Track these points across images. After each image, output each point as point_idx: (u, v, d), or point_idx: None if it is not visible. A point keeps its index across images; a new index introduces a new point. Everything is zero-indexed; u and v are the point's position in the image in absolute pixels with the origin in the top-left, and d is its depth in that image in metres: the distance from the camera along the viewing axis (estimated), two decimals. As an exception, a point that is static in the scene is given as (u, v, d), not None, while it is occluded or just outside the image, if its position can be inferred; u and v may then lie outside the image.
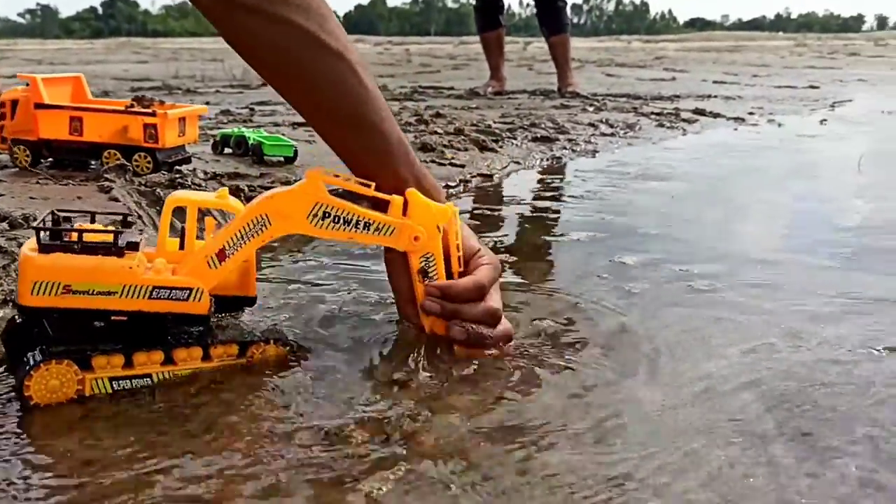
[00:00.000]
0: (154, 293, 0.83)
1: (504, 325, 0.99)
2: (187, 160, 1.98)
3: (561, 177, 2.53)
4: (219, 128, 2.68)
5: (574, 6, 79.65)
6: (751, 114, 4.33)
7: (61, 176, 1.81)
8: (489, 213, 1.97)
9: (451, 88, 5.74)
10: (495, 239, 1.67)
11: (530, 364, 0.98)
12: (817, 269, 1.46)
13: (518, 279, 1.37)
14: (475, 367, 0.95)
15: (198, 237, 0.92)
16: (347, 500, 0.69)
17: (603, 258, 1.50)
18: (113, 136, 1.83)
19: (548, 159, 2.84)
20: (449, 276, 0.98)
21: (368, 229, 0.94)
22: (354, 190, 0.94)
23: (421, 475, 0.73)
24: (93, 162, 1.92)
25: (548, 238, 1.71)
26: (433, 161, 2.49)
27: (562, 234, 1.72)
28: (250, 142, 2.19)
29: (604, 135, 3.48)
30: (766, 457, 0.77)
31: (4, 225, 1.37)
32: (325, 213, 0.91)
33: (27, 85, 1.86)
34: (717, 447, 0.79)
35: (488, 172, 2.50)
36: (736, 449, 0.78)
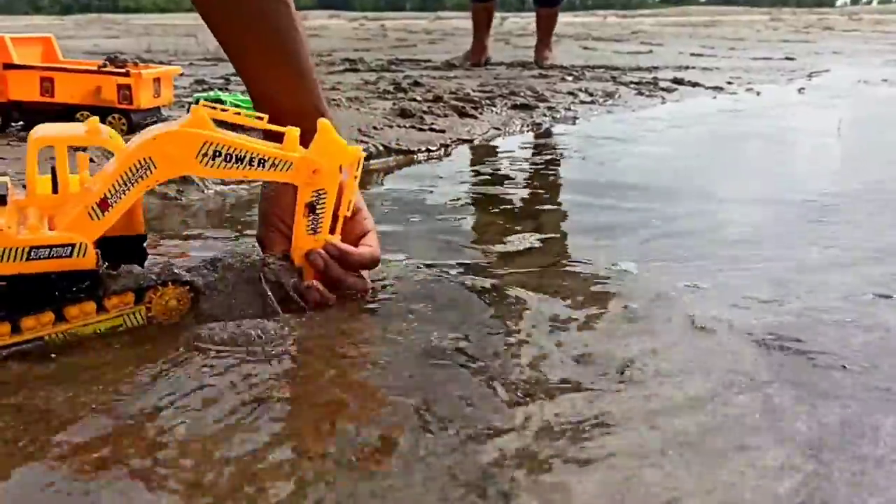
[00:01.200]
0: (32, 254, 0.77)
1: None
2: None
3: (543, 142, 2.51)
4: (193, 96, 2.63)
5: (551, -18, 78.99)
6: (729, 83, 4.32)
7: (33, 138, 1.76)
8: (473, 174, 1.95)
9: (429, 61, 5.69)
10: (479, 195, 1.66)
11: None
12: (798, 222, 1.46)
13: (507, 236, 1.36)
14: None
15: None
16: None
17: (591, 215, 1.49)
18: (85, 97, 1.79)
19: (528, 126, 2.81)
20: (335, 219, 0.93)
21: (264, 166, 0.85)
22: (245, 123, 0.86)
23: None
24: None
25: (534, 194, 1.70)
26: (412, 127, 2.46)
27: (546, 193, 1.71)
28: (227, 105, 2.14)
29: (583, 103, 3.47)
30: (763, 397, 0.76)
31: (-26, 183, 1.33)
32: (215, 151, 0.83)
33: (-5, 46, 1.81)
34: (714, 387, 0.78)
35: (468, 138, 2.48)
36: (732, 390, 0.78)
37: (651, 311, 0.99)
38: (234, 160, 0.84)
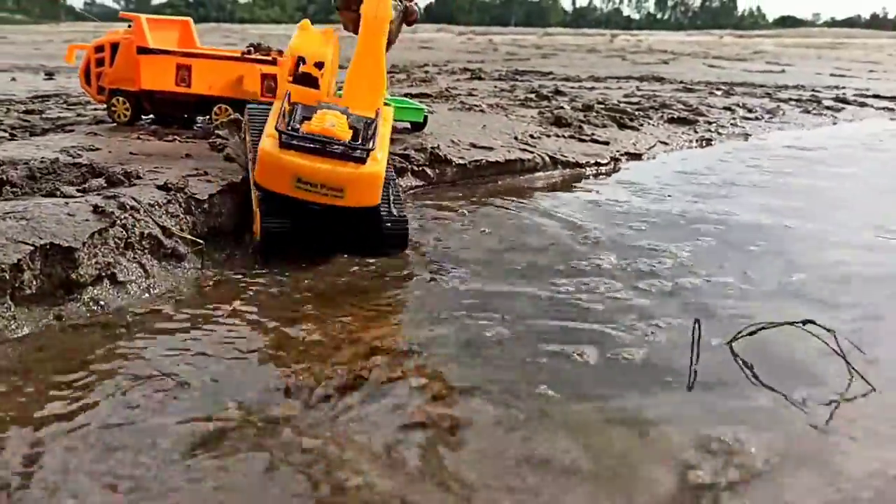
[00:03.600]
0: None
1: None
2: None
3: (725, 157, 2.17)
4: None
5: (658, 1, 77.84)
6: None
7: (165, 133, 1.55)
8: (659, 189, 1.64)
9: (550, 73, 5.43)
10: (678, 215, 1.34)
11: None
12: None
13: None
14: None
15: None
16: None
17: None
18: (225, 87, 1.55)
19: (696, 141, 2.47)
20: None
21: None
22: None
23: None
24: (199, 119, 1.66)
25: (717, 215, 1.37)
26: (572, 136, 2.16)
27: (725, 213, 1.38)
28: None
29: (746, 118, 3.10)
30: None
31: (101, 181, 1.10)
32: None
33: (129, 26, 1.60)
34: None
35: (635, 151, 2.16)
36: None
37: None
38: None
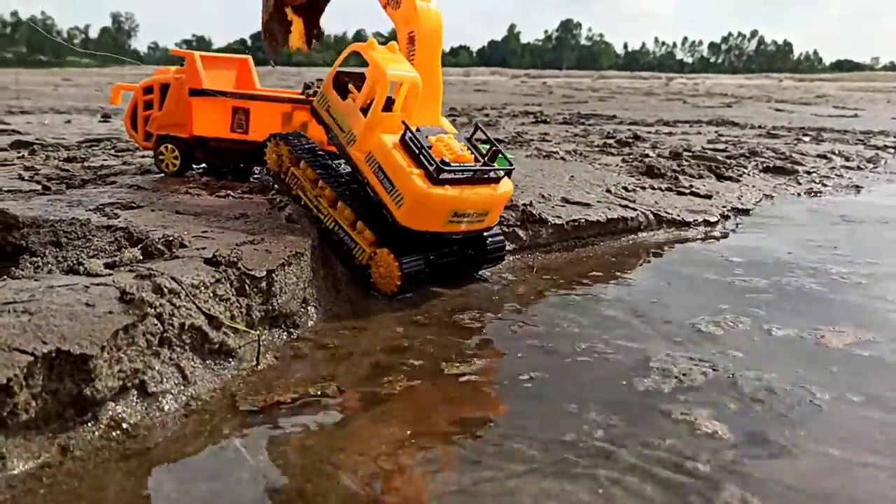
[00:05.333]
0: None
1: None
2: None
3: (842, 216, 1.89)
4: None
5: (711, 45, 77.63)
6: None
7: (217, 186, 1.34)
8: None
9: (614, 117, 5.23)
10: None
11: None
12: None
13: None
14: None
15: None
16: None
17: None
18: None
19: (804, 193, 2.20)
20: None
21: None
22: None
23: None
24: (257, 169, 1.46)
25: None
26: (669, 189, 1.91)
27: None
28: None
29: (846, 167, 2.82)
30: None
31: (136, 252, 0.89)
32: None
33: (182, 64, 1.41)
34: None
35: (743, 206, 1.90)
36: None
37: None
38: None
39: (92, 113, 4.17)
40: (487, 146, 1.13)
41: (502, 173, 1.12)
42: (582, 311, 1.08)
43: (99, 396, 0.64)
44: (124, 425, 0.65)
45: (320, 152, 1.23)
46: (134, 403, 0.68)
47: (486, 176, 1.09)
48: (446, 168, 1.03)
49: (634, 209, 1.58)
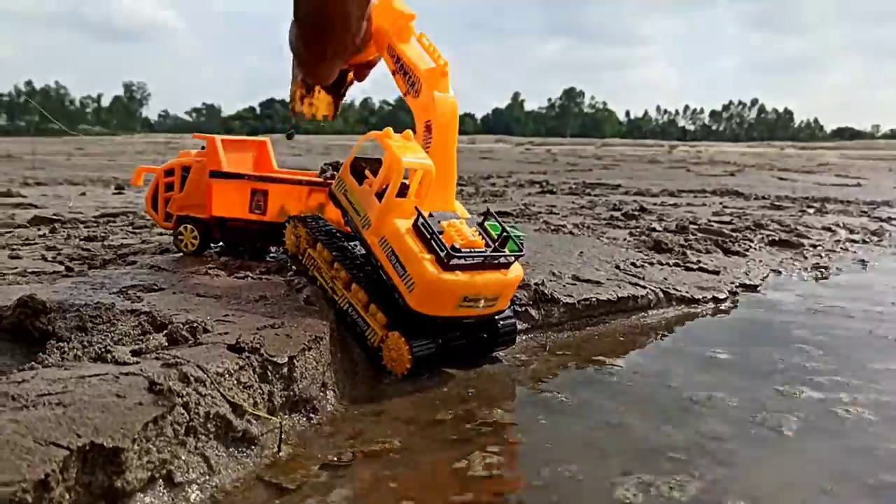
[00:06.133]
0: None
1: None
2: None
3: (847, 292, 1.91)
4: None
5: (713, 112, 78.71)
6: None
7: (235, 266, 1.37)
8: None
9: (619, 186, 5.30)
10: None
11: None
12: None
13: None
14: None
15: None
16: None
17: None
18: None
19: (810, 268, 2.22)
20: None
21: None
22: None
23: None
24: (273, 249, 1.49)
25: None
26: (677, 264, 1.93)
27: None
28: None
29: (851, 241, 2.85)
30: None
31: (161, 338, 0.91)
32: None
33: (203, 148, 1.46)
34: None
35: (751, 282, 1.92)
36: None
37: None
38: None
39: (105, 184, 4.24)
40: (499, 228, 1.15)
41: (512, 258, 1.13)
42: (599, 389, 1.10)
43: (129, 488, 0.65)
44: (152, 517, 0.67)
45: (337, 234, 1.26)
46: (161, 494, 0.69)
47: (496, 262, 1.10)
48: (457, 254, 1.04)
49: (644, 286, 1.60)
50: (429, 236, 1.07)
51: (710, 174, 7.45)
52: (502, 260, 1.10)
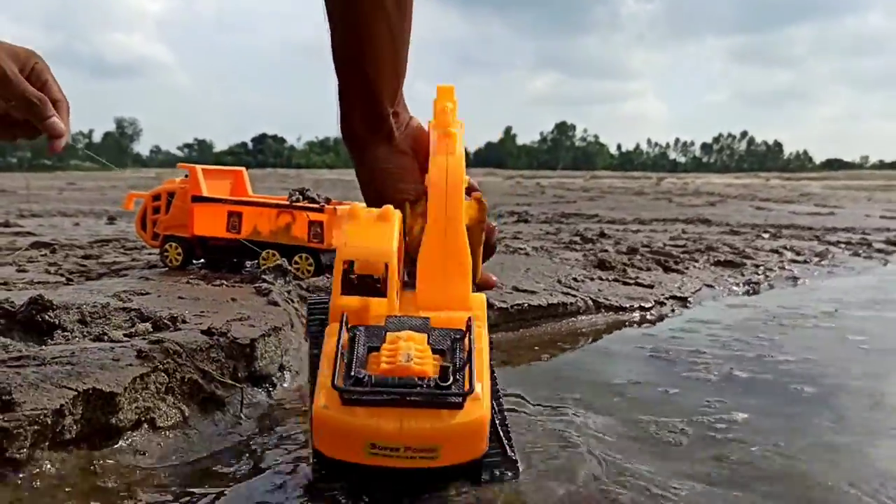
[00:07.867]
0: None
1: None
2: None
3: (769, 305, 2.13)
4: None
5: (703, 145, 79.55)
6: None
7: (214, 277, 1.59)
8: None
9: (596, 216, 5.53)
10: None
11: None
12: None
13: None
14: None
15: None
16: None
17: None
18: (273, 233, 1.61)
19: (742, 284, 2.45)
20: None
21: None
22: None
23: None
24: (248, 263, 1.71)
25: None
26: (616, 280, 2.16)
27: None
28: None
29: (794, 262, 3.07)
30: None
31: (147, 325, 1.13)
32: None
33: (187, 176, 1.69)
34: None
35: (680, 294, 2.14)
36: None
37: None
38: None
39: (97, 216, 4.46)
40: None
41: (464, 398, 0.71)
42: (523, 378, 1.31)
43: (121, 426, 0.87)
44: (139, 451, 0.88)
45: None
46: (146, 434, 0.90)
47: (429, 399, 0.71)
48: (357, 390, 0.70)
49: (575, 296, 1.83)
50: (343, 357, 0.72)
51: (691, 204, 7.64)
52: (449, 400, 0.70)
